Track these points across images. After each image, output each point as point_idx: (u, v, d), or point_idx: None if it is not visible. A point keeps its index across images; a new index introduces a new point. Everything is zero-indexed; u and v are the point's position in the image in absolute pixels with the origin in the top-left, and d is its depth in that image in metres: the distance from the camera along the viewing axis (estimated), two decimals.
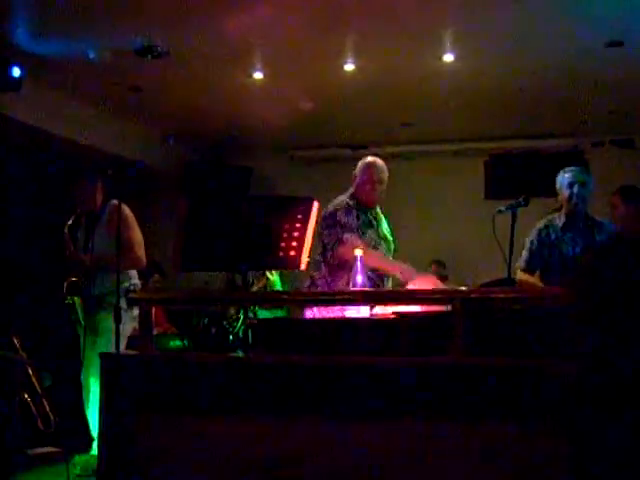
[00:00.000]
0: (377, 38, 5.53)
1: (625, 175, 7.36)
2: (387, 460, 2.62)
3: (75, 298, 4.81)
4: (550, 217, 4.51)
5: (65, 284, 4.83)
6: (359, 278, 3.42)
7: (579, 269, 3.79)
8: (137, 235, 4.92)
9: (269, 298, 4.07)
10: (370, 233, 4.17)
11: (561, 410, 2.45)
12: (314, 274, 4.17)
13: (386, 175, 4.25)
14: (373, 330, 2.97)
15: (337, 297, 3.33)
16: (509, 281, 4.06)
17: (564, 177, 4.40)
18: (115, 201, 4.74)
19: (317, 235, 3.88)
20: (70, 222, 4.94)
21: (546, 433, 2.46)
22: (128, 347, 4.62)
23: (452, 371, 2.60)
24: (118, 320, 3.65)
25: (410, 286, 3.63)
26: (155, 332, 6.51)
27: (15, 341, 5.67)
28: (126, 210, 4.79)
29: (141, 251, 4.90)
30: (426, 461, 2.58)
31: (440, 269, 7.55)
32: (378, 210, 4.35)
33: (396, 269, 3.87)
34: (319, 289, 4.08)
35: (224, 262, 3.46)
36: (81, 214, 5.00)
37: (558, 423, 2.45)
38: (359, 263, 3.45)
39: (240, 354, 3.24)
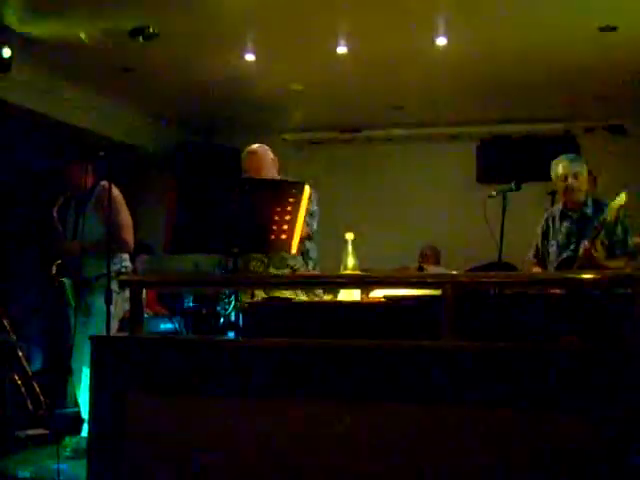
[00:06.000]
0: (370, 21, 5.49)
1: (616, 160, 7.39)
2: (380, 443, 2.63)
3: (65, 280, 4.79)
4: (554, 207, 4.46)
5: (54, 266, 4.81)
6: (350, 261, 3.42)
7: None
8: (125, 218, 4.89)
9: (259, 281, 4.06)
10: None
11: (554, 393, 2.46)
12: None
13: (261, 161, 4.54)
14: (364, 314, 2.98)
15: (327, 280, 3.33)
16: (500, 265, 4.06)
17: (557, 168, 4.33)
18: (105, 183, 4.71)
19: None
20: (59, 204, 4.90)
21: (540, 416, 2.47)
22: (119, 329, 4.61)
23: (443, 355, 2.60)
24: (109, 302, 3.65)
25: None
26: (146, 314, 6.52)
27: (5, 323, 5.65)
28: (115, 192, 4.76)
29: (129, 234, 4.87)
30: (420, 444, 2.58)
31: (432, 253, 7.55)
32: None
33: None
34: None
35: (215, 245, 3.45)
36: (70, 196, 4.97)
37: (552, 405, 2.46)
38: (350, 246, 3.45)
39: (231, 336, 3.24)
